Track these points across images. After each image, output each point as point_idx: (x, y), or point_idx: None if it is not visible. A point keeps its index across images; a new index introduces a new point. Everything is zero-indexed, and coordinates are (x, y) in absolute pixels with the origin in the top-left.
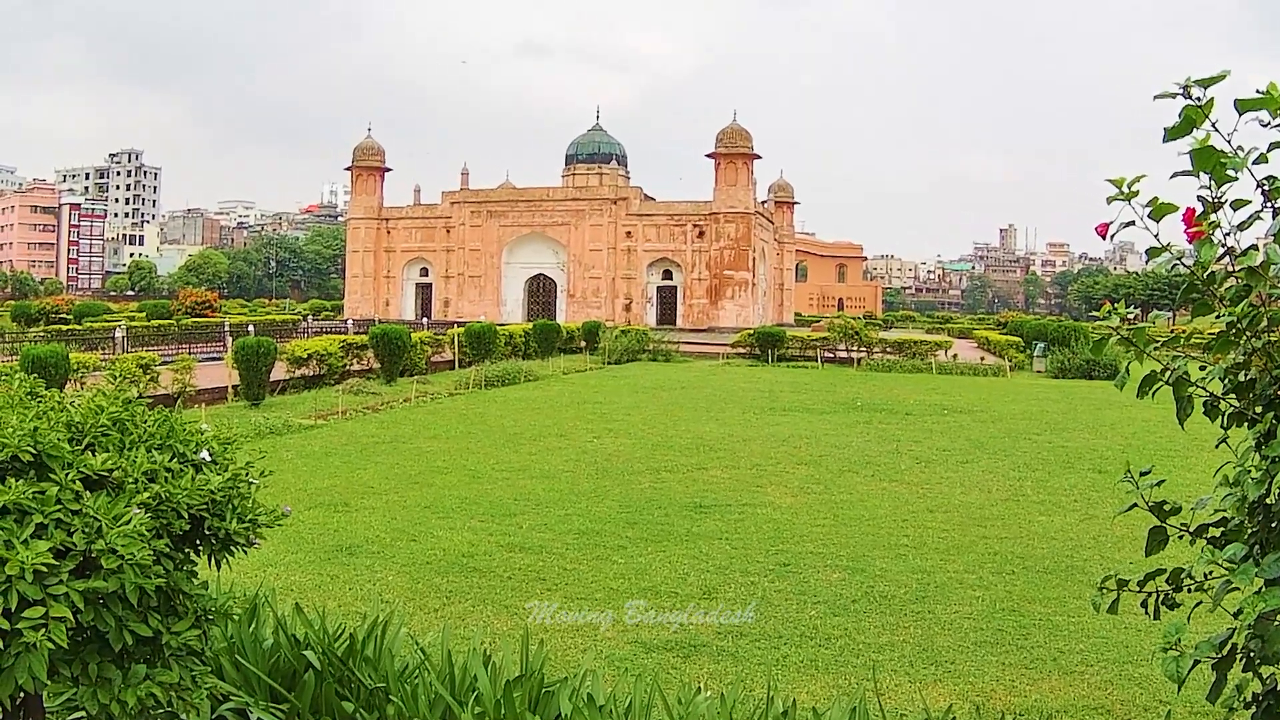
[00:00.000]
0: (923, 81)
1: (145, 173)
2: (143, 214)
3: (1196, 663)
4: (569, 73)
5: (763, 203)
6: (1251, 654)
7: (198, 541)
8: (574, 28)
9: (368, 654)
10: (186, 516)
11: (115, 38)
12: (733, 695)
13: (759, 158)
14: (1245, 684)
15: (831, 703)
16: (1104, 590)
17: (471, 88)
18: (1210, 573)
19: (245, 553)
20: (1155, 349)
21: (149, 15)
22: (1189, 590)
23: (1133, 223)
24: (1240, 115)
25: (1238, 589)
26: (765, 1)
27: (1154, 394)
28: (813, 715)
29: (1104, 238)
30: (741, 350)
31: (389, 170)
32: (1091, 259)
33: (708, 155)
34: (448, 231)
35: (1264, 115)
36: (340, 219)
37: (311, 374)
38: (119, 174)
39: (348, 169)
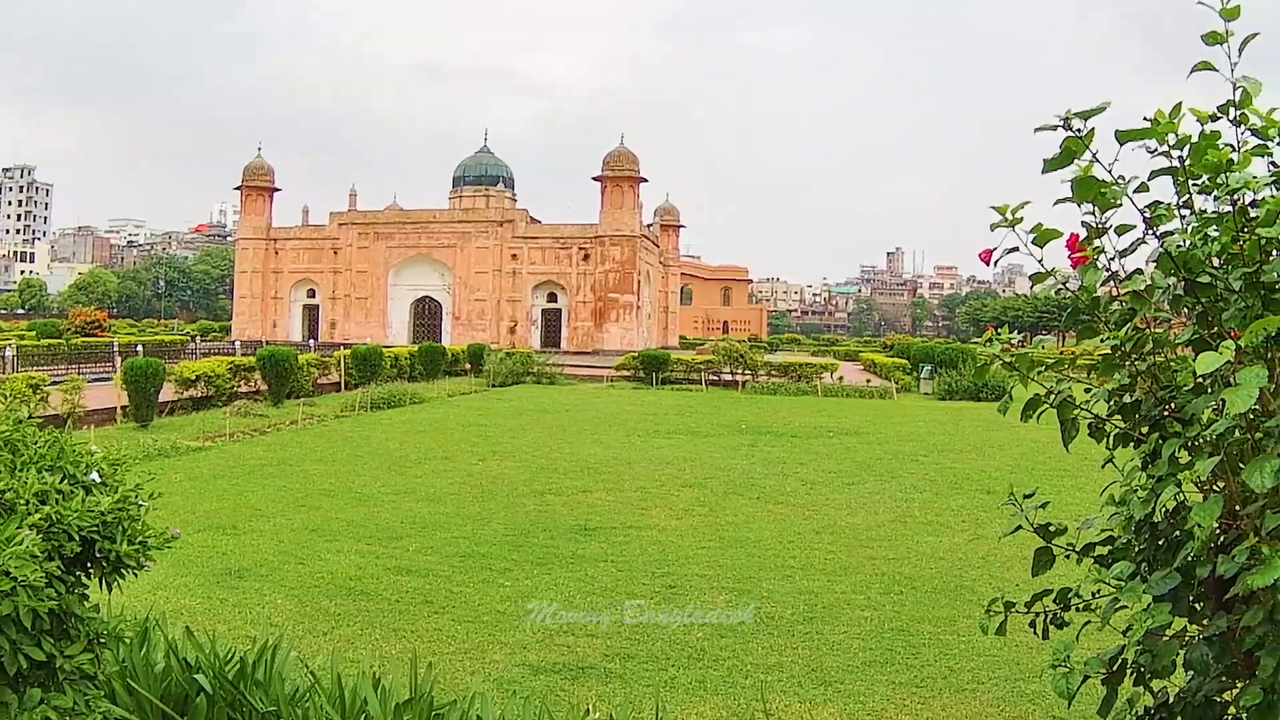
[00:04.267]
0: (810, 107)
1: (37, 189)
2: (34, 231)
3: (1086, 678)
4: (461, 97)
5: (648, 226)
6: (1142, 669)
7: (89, 564)
8: (469, 53)
9: (258, 678)
10: (78, 538)
11: (6, 55)
12: (622, 717)
13: (645, 181)
14: (1136, 698)
15: None
16: (991, 613)
17: (363, 109)
18: (1098, 591)
19: (136, 575)
20: (1040, 372)
21: (41, 33)
22: (1077, 609)
23: (1016, 249)
24: (1122, 145)
25: (1126, 606)
26: (660, 35)
27: (1038, 417)
28: None
29: (987, 264)
30: (626, 373)
31: (278, 190)
32: (980, 282)
33: (594, 178)
34: (335, 253)
35: (1150, 143)
36: (229, 239)
37: (199, 395)
38: (11, 189)
39: (237, 188)
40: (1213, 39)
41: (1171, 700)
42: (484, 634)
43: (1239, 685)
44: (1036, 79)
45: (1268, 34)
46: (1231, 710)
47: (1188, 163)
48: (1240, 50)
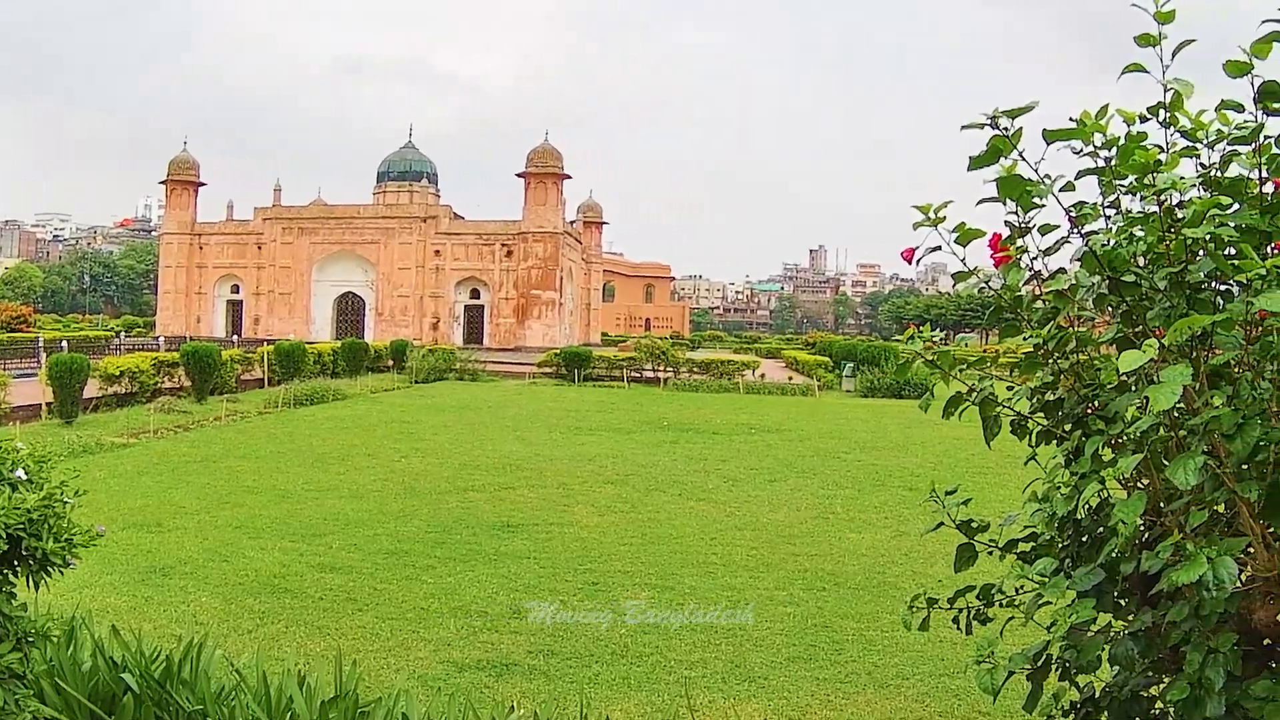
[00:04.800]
0: (735, 107)
1: None
2: None
3: (1010, 674)
4: (386, 93)
5: (571, 222)
6: (1067, 664)
7: (15, 562)
8: (390, 47)
9: (185, 676)
10: (4, 536)
11: None
12: (546, 713)
13: (569, 177)
14: (1062, 693)
15: None
16: (914, 609)
17: (289, 105)
18: (1021, 587)
19: (62, 573)
20: (963, 370)
21: None
22: (1001, 605)
23: (939, 248)
24: (1049, 145)
25: (1050, 602)
26: (586, 32)
27: (960, 414)
28: None
29: (910, 263)
30: (548, 370)
31: (204, 185)
32: (903, 280)
33: (518, 174)
34: (259, 248)
35: (1076, 144)
36: (154, 233)
37: (124, 391)
38: None
39: (163, 183)
40: (1145, 41)
41: (1098, 695)
42: (408, 631)
43: (1165, 680)
44: (971, 82)
45: (1198, 38)
46: (1158, 705)
47: (1114, 163)
48: (1174, 55)
